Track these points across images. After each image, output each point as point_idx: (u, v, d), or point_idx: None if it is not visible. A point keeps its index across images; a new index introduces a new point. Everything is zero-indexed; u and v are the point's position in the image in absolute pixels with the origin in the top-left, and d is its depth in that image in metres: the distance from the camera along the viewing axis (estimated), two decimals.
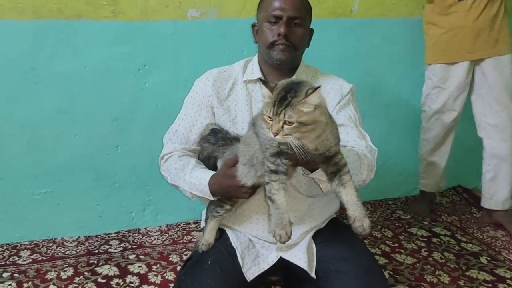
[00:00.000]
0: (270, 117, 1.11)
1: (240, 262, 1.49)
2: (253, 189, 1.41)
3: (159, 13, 2.09)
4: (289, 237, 1.19)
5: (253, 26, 1.66)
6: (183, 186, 1.55)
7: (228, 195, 1.46)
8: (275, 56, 1.54)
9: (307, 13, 1.58)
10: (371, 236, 2.33)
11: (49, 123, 2.08)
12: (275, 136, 1.10)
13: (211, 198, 1.49)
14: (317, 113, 1.11)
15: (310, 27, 1.63)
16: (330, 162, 1.22)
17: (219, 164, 1.55)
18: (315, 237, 1.59)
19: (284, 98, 1.10)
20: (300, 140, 1.11)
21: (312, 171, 1.31)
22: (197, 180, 1.49)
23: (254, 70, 1.62)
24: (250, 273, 1.49)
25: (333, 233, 1.62)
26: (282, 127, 1.09)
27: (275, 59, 1.54)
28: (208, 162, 1.58)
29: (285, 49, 1.52)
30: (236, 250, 1.53)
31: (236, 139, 1.50)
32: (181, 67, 2.18)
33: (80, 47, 2.04)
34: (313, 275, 1.50)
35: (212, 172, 1.49)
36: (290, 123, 1.09)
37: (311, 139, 1.13)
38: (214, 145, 1.57)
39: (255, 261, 1.52)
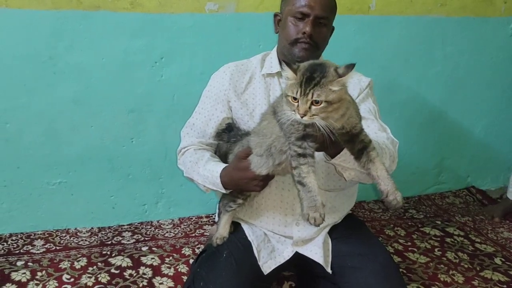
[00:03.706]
0: (295, 98, 1.09)
1: (256, 255, 1.49)
2: (265, 182, 1.40)
3: (177, 6, 2.09)
4: (323, 220, 1.18)
5: (275, 15, 1.64)
6: (197, 179, 1.55)
7: (239, 187, 1.46)
8: (296, 53, 1.53)
9: (332, 13, 1.57)
10: (383, 234, 2.32)
11: (65, 113, 2.09)
12: (302, 117, 1.09)
13: (223, 190, 1.48)
14: (343, 92, 1.11)
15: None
16: (357, 140, 1.22)
17: (231, 159, 1.55)
18: (331, 232, 1.59)
19: (311, 78, 1.08)
20: (325, 120, 1.09)
21: (333, 156, 1.29)
22: (209, 172, 1.49)
23: (273, 64, 1.61)
24: (267, 266, 1.49)
25: (349, 229, 1.62)
26: (310, 107, 1.08)
27: (296, 56, 1.53)
28: (225, 160, 1.57)
29: (308, 48, 1.51)
30: (252, 243, 1.53)
31: (247, 134, 1.49)
32: (197, 60, 2.18)
33: (98, 38, 2.04)
34: (329, 270, 1.50)
35: (225, 165, 1.49)
36: (318, 103, 1.08)
37: (336, 118, 1.12)
38: (228, 143, 1.57)
39: (271, 255, 1.52)
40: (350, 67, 1.10)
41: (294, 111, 1.10)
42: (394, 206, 1.22)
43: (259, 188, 1.41)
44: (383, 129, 1.53)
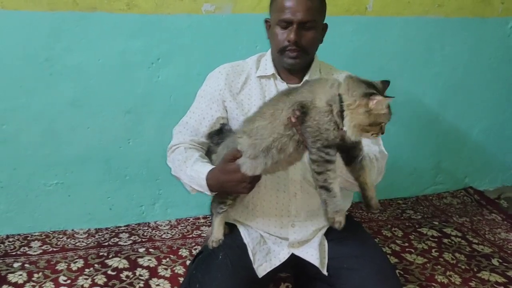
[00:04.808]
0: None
1: (251, 258, 1.49)
2: (252, 184, 1.38)
3: (174, 7, 2.08)
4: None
5: (266, 21, 1.63)
6: (183, 179, 1.53)
7: (225, 190, 1.44)
8: (286, 61, 1.52)
9: (319, 14, 1.52)
10: (381, 235, 2.32)
11: (62, 114, 2.09)
12: None
13: (208, 193, 1.46)
14: None
15: (324, 22, 1.59)
16: (357, 147, 1.28)
17: (214, 160, 1.52)
18: (327, 234, 1.59)
19: None
20: None
21: None
22: (196, 173, 1.46)
23: (268, 66, 1.60)
24: (261, 269, 1.48)
25: (345, 231, 1.58)
26: None
27: (286, 64, 1.53)
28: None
29: (297, 55, 1.50)
30: (248, 246, 1.52)
31: (230, 135, 1.48)
32: (194, 61, 2.17)
33: (95, 39, 2.04)
34: (324, 272, 1.50)
35: (212, 167, 1.46)
36: None
37: None
38: (217, 146, 1.55)
39: (266, 257, 1.52)
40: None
41: (377, 133, 1.20)
42: (374, 210, 1.34)
43: (246, 190, 1.39)
44: (375, 141, 1.53)
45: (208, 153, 1.62)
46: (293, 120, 1.25)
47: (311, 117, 1.22)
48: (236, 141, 1.38)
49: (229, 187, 1.40)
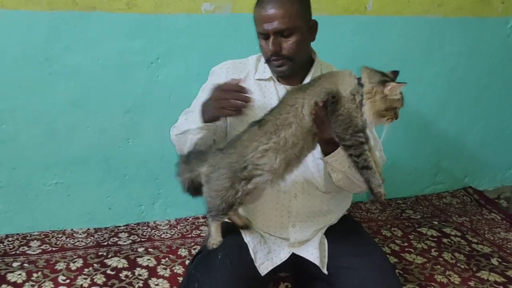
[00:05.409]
0: None
1: (253, 256, 1.49)
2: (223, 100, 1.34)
3: (173, 6, 2.08)
4: None
5: None
6: (182, 128, 1.50)
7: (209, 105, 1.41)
8: (274, 70, 1.53)
9: (297, 18, 1.44)
10: (380, 235, 2.32)
11: (62, 114, 2.09)
12: None
13: (199, 121, 1.43)
14: None
15: (313, 19, 1.54)
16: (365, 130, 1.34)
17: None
18: (327, 233, 1.59)
19: None
20: None
21: (327, 154, 1.37)
22: (194, 111, 1.48)
23: (266, 69, 1.60)
24: (264, 267, 1.48)
25: (345, 230, 1.62)
26: None
27: (275, 72, 1.55)
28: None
29: (281, 63, 1.49)
30: (248, 245, 1.52)
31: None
32: (194, 61, 2.17)
33: (94, 39, 2.04)
34: (325, 271, 1.50)
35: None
36: None
37: None
38: (198, 164, 1.46)
39: (267, 256, 1.52)
40: None
41: (392, 118, 1.28)
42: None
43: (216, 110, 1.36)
44: (375, 143, 1.55)
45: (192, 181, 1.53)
46: (316, 111, 1.28)
47: (341, 106, 1.28)
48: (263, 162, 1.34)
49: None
